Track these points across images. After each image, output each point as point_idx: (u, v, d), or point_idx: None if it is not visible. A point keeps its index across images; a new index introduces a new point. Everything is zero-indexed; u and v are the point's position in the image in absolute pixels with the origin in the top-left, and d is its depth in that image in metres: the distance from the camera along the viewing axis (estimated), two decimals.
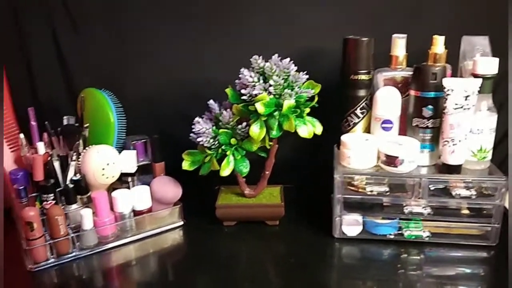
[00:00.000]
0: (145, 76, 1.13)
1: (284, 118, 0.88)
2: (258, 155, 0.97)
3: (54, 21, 1.10)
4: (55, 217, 0.86)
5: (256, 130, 0.88)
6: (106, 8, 1.09)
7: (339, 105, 0.99)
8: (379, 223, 0.93)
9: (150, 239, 0.98)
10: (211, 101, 0.94)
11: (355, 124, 0.98)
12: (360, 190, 0.92)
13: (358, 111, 0.97)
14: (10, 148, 0.95)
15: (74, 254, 0.90)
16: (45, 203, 0.90)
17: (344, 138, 0.93)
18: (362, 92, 0.96)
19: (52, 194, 0.90)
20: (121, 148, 1.02)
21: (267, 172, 1.00)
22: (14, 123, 0.99)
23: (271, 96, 0.87)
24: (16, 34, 1.10)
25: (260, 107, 0.86)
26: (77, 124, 0.97)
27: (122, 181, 1.00)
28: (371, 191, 0.91)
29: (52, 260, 0.89)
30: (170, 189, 0.99)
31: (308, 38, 1.09)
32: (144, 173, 1.04)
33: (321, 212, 1.01)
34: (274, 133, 0.89)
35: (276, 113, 0.88)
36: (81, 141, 0.95)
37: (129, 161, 0.99)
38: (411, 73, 0.92)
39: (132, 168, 0.99)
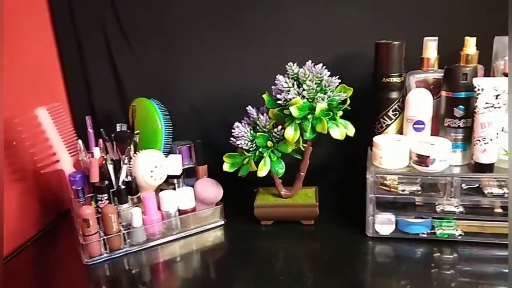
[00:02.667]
0: (190, 85, 1.22)
1: (317, 120, 0.93)
2: (294, 157, 1.02)
3: (108, 36, 1.20)
4: (109, 215, 0.95)
5: (290, 133, 0.93)
6: (156, 22, 1.19)
7: (372, 107, 1.02)
8: (411, 222, 0.95)
9: (193, 237, 1.05)
10: (249, 107, 1.01)
11: (387, 125, 1.01)
12: (392, 189, 0.95)
13: (390, 113, 1.00)
14: (70, 153, 1.06)
15: (125, 249, 0.99)
16: (100, 202, 0.99)
17: (376, 139, 0.97)
18: (394, 94, 0.99)
19: (106, 194, 0.99)
20: (167, 152, 1.10)
21: (302, 174, 1.05)
22: (73, 130, 1.10)
23: (305, 100, 0.92)
24: (75, 49, 1.21)
25: (294, 111, 0.91)
26: (128, 131, 1.06)
27: (169, 183, 1.08)
28: (403, 191, 0.94)
29: (105, 255, 0.97)
30: (212, 190, 1.06)
31: (342, 44, 1.13)
32: (188, 176, 1.12)
33: (355, 212, 1.04)
34: (308, 135, 0.94)
35: (309, 116, 0.93)
36: (132, 146, 1.04)
37: (175, 164, 1.06)
38: (443, 74, 0.94)
39: (178, 171, 1.07)
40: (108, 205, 0.98)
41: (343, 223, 1.04)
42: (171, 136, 1.11)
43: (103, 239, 0.97)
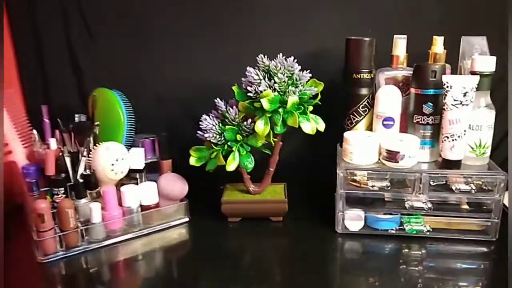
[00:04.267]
0: (154, 77, 1.17)
1: (288, 114, 0.91)
2: (263, 153, 1.00)
3: (68, 22, 1.14)
4: (65, 209, 0.89)
5: (261, 126, 0.91)
6: (120, 10, 1.14)
7: (342, 103, 1.02)
8: (380, 218, 0.95)
9: (157, 235, 1.00)
10: (218, 100, 0.97)
11: (357, 122, 1.00)
12: (362, 185, 0.94)
13: (360, 109, 0.99)
14: (23, 143, 0.98)
15: (82, 247, 0.93)
16: (56, 196, 0.93)
17: (346, 134, 0.96)
18: (364, 91, 0.99)
19: (62, 188, 0.93)
20: (130, 146, 1.04)
21: (271, 169, 1.02)
22: (27, 120, 1.03)
23: (276, 93, 0.90)
24: (31, 33, 1.14)
25: (265, 103, 0.88)
26: (88, 122, 1.00)
27: (131, 177, 1.02)
28: (373, 186, 0.93)
29: (61, 252, 0.91)
30: (177, 185, 1.02)
31: (313, 39, 1.13)
32: (151, 171, 1.07)
33: (324, 209, 1.03)
34: (279, 129, 0.92)
35: (280, 110, 0.91)
36: (91, 138, 0.98)
37: (137, 158, 1.01)
38: (412, 72, 0.95)
39: (140, 165, 1.02)
40: (65, 199, 0.92)
41: (312, 220, 1.03)
42: (134, 129, 1.06)
43: (59, 236, 0.90)
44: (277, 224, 1.03)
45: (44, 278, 0.87)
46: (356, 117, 1.00)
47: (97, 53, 1.15)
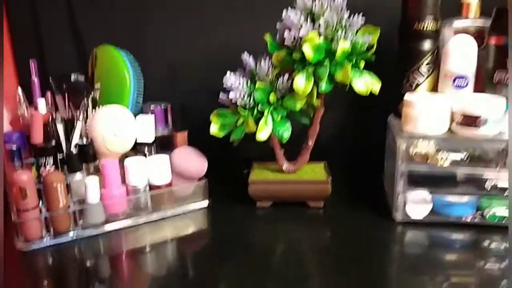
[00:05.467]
0: (165, 41, 0.99)
1: (337, 66, 0.71)
2: (298, 124, 0.80)
3: None
4: (54, 184, 0.70)
5: (301, 83, 0.72)
6: None
7: (397, 63, 0.82)
8: (452, 202, 0.75)
9: (168, 221, 0.81)
10: (245, 54, 0.78)
11: (418, 84, 0.81)
12: (429, 160, 0.74)
13: (422, 68, 0.80)
14: (6, 105, 0.80)
15: (75, 233, 0.74)
16: (43, 169, 0.74)
17: (409, 97, 0.76)
18: (427, 45, 0.79)
19: (51, 158, 0.74)
20: (137, 114, 0.86)
21: (310, 143, 0.83)
22: (13, 76, 0.84)
23: (321, 40, 0.71)
24: None
25: (308, 50, 0.70)
26: (85, 82, 0.82)
27: (137, 151, 0.84)
28: (443, 160, 0.73)
29: (48, 239, 0.72)
30: (194, 161, 0.83)
31: None
32: (163, 148, 0.87)
33: (374, 193, 0.85)
34: (324, 86, 0.72)
35: (326, 62, 0.72)
36: (90, 102, 0.80)
37: (145, 127, 0.83)
38: (491, 19, 0.76)
39: (150, 137, 0.83)
40: (54, 171, 0.74)
41: (360, 206, 0.83)
42: (142, 94, 0.88)
43: (45, 217, 0.72)
44: (317, 211, 0.83)
45: (24, 271, 0.69)
46: (418, 79, 0.80)
47: (99, 14, 0.97)
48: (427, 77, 0.80)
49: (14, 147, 0.74)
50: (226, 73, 0.79)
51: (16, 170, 0.72)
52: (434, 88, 0.81)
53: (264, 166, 0.87)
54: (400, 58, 0.82)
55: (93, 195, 0.74)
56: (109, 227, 0.76)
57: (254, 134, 0.76)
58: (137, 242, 0.76)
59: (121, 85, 0.85)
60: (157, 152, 0.85)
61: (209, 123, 0.83)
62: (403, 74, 0.82)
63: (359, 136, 0.98)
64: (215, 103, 0.80)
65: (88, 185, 0.74)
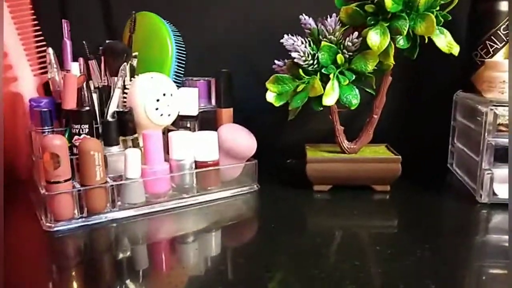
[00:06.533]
0: (208, 11, 0.90)
1: (417, 19, 0.63)
2: (365, 92, 0.71)
3: None
4: (91, 152, 0.60)
5: (376, 38, 0.63)
6: None
7: (468, 28, 0.74)
8: None
9: (214, 206, 0.70)
10: (303, 16, 0.70)
11: (496, 50, 0.72)
12: None
13: (501, 32, 0.72)
14: (34, 69, 0.70)
15: (111, 214, 0.63)
16: (76, 138, 0.64)
17: (496, 60, 0.68)
18: (505, 5, 0.71)
19: (87, 126, 0.64)
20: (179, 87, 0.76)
21: (375, 116, 0.73)
22: (41, 35, 0.74)
23: None
24: None
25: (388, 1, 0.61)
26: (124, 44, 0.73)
27: (180, 126, 0.74)
28: None
29: (80, 219, 0.61)
30: (244, 138, 0.73)
31: None
32: (205, 125, 0.77)
33: (442, 177, 0.75)
34: (402, 42, 0.64)
35: (403, 14, 0.63)
36: (128, 66, 0.71)
37: (189, 100, 0.73)
38: None
39: (194, 110, 0.74)
40: (90, 138, 0.63)
41: (430, 190, 0.73)
42: (183, 66, 0.79)
43: (78, 193, 0.61)
44: (383, 196, 0.72)
45: (51, 255, 0.57)
46: (495, 44, 0.72)
47: None
48: (506, 42, 0.72)
49: (44, 108, 0.63)
50: (270, 52, 0.70)
51: (46, 136, 0.62)
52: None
53: (318, 147, 0.77)
54: (473, 20, 0.74)
55: (133, 170, 0.64)
56: (149, 208, 0.66)
57: (304, 116, 0.67)
58: (180, 227, 0.65)
59: (162, 54, 0.76)
60: (200, 129, 0.75)
61: (252, 103, 0.74)
62: (478, 39, 0.73)
63: (418, 118, 0.89)
64: (258, 82, 0.71)
65: (129, 157, 0.63)
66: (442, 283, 0.47)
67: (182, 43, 0.79)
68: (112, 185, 0.63)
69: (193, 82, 0.79)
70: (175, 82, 0.76)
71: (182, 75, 0.78)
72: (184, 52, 0.78)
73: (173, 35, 0.77)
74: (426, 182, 0.78)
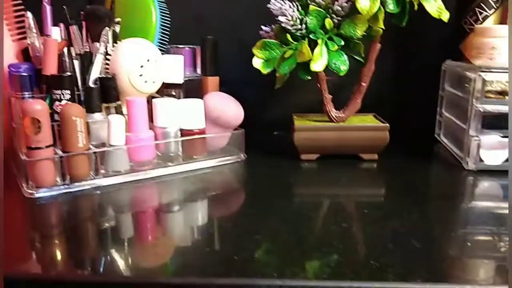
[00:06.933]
0: None
1: None
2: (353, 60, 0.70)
3: None
4: (73, 117, 0.58)
5: (365, 2, 0.62)
6: None
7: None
8: None
9: (200, 175, 0.68)
10: None
11: (485, 17, 0.72)
12: (506, 96, 0.65)
13: None
14: (12, 35, 0.68)
15: (94, 181, 0.62)
16: (57, 104, 0.62)
17: (485, 26, 0.67)
18: None
19: (68, 91, 0.62)
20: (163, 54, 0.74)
21: (363, 84, 0.72)
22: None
23: None
24: None
25: None
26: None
27: (165, 94, 0.72)
28: None
29: (63, 187, 0.60)
30: (231, 106, 0.72)
31: None
32: (191, 93, 0.75)
33: (430, 146, 0.75)
34: (392, 6, 0.63)
35: None
36: (111, 32, 0.68)
37: (174, 67, 0.72)
38: None
39: (179, 78, 0.72)
40: (72, 104, 0.61)
41: (419, 158, 0.73)
42: (168, 33, 0.76)
43: (60, 159, 0.59)
44: (371, 164, 0.72)
45: (33, 223, 0.55)
46: (484, 11, 0.71)
47: None
48: (496, 9, 0.71)
49: (24, 73, 0.61)
50: (257, 20, 0.69)
51: (26, 101, 0.60)
52: (502, 23, 0.72)
53: (306, 116, 0.76)
54: None
55: (117, 136, 0.62)
56: (133, 176, 0.64)
57: (290, 87, 0.66)
58: (166, 196, 0.64)
59: (146, 20, 0.73)
60: (185, 97, 0.74)
61: (239, 74, 0.72)
62: (467, 6, 0.73)
63: (406, 87, 0.88)
64: (245, 52, 0.69)
65: (112, 123, 0.62)
66: (428, 244, 0.47)
67: (167, 9, 0.76)
68: (95, 152, 0.61)
69: (178, 49, 0.77)
70: (159, 49, 0.75)
71: (166, 43, 0.76)
72: (169, 19, 0.76)
73: (157, 1, 0.75)
74: (413, 151, 0.78)
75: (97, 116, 0.65)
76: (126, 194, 0.62)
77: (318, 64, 0.64)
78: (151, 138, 0.66)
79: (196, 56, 0.78)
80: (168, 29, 0.76)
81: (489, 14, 0.71)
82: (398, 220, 0.53)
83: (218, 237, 0.51)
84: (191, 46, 0.78)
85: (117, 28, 0.72)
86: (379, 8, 0.62)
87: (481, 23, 0.72)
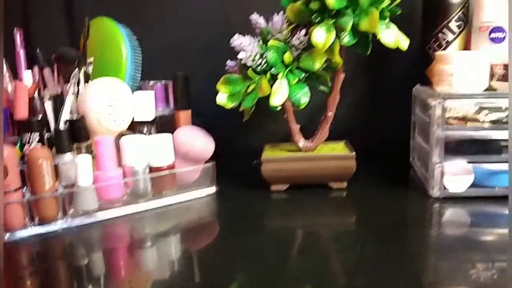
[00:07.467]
0: (167, 17, 0.90)
1: (361, 15, 0.63)
2: (316, 99, 0.71)
3: None
4: (39, 160, 0.60)
5: (321, 36, 0.63)
6: None
7: (423, 20, 0.75)
8: (497, 170, 0.65)
9: (171, 209, 0.70)
10: (254, 15, 0.70)
11: (448, 43, 0.72)
12: (468, 123, 0.65)
13: (453, 24, 0.71)
14: None
15: (64, 221, 0.63)
16: (27, 146, 0.64)
17: (442, 52, 0.68)
18: None
19: (37, 134, 0.65)
20: (135, 91, 0.77)
21: (329, 113, 0.73)
22: None
23: None
24: None
25: None
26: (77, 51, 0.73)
27: (135, 131, 0.74)
28: (484, 121, 0.64)
29: (33, 228, 0.62)
30: (200, 140, 0.73)
31: None
32: (164, 128, 0.77)
33: (401, 172, 0.76)
34: (347, 38, 0.64)
35: (348, 11, 0.63)
36: (82, 74, 0.71)
37: (145, 104, 0.73)
38: None
39: (149, 115, 0.74)
40: (39, 147, 0.64)
41: (388, 186, 0.73)
42: (140, 71, 0.79)
43: (29, 202, 0.61)
44: (340, 193, 0.73)
45: (4, 264, 0.57)
46: (447, 36, 0.72)
47: None
48: (458, 34, 0.72)
49: None
50: (229, 53, 0.70)
51: None
52: (466, 48, 0.73)
53: (278, 146, 0.77)
54: (425, 15, 0.74)
55: (84, 177, 0.64)
56: (103, 215, 0.66)
57: (265, 117, 0.68)
58: (136, 233, 0.65)
59: (117, 59, 0.76)
60: (157, 133, 0.75)
61: (213, 104, 0.74)
62: (430, 32, 0.73)
63: (379, 113, 0.89)
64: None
65: (79, 164, 0.64)
66: (382, 275, 0.48)
67: (139, 46, 0.79)
68: (62, 193, 0.63)
69: (150, 85, 0.79)
70: (132, 86, 0.77)
71: (139, 79, 0.78)
72: (141, 56, 0.78)
73: (129, 39, 0.78)
74: (387, 177, 0.78)
75: (67, 156, 0.67)
76: (97, 233, 0.64)
77: (277, 98, 0.66)
78: (120, 176, 0.67)
79: (169, 91, 0.80)
80: (140, 65, 0.78)
81: (450, 40, 0.72)
82: (353, 252, 0.53)
83: (191, 272, 0.52)
84: (163, 81, 0.80)
85: (90, 68, 0.74)
86: (335, 41, 0.64)
87: (444, 49, 0.72)
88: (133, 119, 0.72)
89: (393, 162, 0.84)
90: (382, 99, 0.88)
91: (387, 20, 0.65)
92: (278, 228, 0.64)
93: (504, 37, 0.67)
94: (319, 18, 0.64)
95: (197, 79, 0.82)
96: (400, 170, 0.81)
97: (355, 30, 0.63)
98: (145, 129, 0.74)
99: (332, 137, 0.77)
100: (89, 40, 0.76)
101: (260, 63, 0.67)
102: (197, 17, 0.89)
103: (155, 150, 0.70)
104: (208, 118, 0.80)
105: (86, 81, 0.73)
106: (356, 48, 0.66)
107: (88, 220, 0.65)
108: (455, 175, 0.66)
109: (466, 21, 0.72)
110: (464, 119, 0.65)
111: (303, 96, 0.67)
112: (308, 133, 0.75)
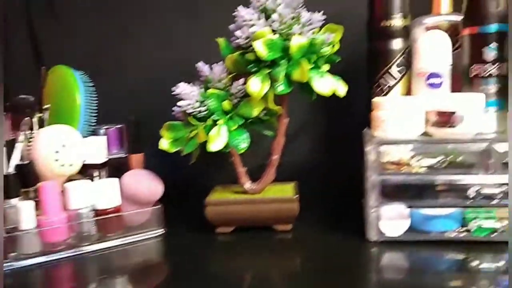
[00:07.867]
0: (127, 61, 0.94)
1: (293, 66, 0.65)
2: (267, 142, 0.73)
3: None
4: None
5: (255, 85, 0.65)
6: None
7: (366, 66, 0.76)
8: (433, 215, 0.65)
9: (117, 252, 0.71)
10: (200, 63, 0.72)
11: (390, 88, 0.74)
12: (403, 168, 0.66)
13: (394, 70, 0.73)
14: None
15: (8, 264, 0.65)
16: None
17: (378, 99, 0.69)
18: (397, 44, 0.73)
19: None
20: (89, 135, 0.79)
21: (274, 157, 0.75)
22: None
23: (276, 36, 0.65)
24: None
25: (260, 48, 0.63)
26: (30, 97, 0.76)
27: (87, 175, 0.76)
28: (419, 166, 0.65)
29: None
30: (146, 184, 0.75)
31: None
32: (118, 171, 0.79)
33: (351, 215, 0.76)
34: (281, 87, 0.65)
35: (282, 62, 0.65)
36: (35, 120, 0.74)
37: (95, 148, 0.76)
38: (465, 7, 0.69)
39: (100, 158, 0.76)
40: None
41: (333, 228, 0.74)
42: (95, 116, 0.81)
43: None
44: (285, 236, 0.73)
45: None
46: (389, 81, 0.73)
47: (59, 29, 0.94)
48: (399, 80, 0.73)
49: None
50: None
51: None
52: (408, 93, 0.74)
53: (226, 188, 0.79)
54: (369, 60, 0.76)
55: (27, 220, 0.66)
56: (46, 258, 0.67)
57: (216, 157, 0.69)
58: (81, 275, 0.67)
59: (71, 105, 0.79)
60: (110, 176, 0.77)
61: None
62: (373, 78, 0.75)
63: (335, 155, 0.90)
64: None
65: (21, 209, 0.66)
66: None
67: (95, 93, 0.81)
68: (5, 236, 0.65)
69: (104, 129, 0.81)
70: (86, 131, 0.80)
71: (93, 124, 0.81)
72: (96, 101, 0.81)
73: (84, 85, 0.80)
74: (335, 219, 0.78)
75: (15, 201, 0.69)
76: (40, 276, 0.66)
77: (215, 144, 0.67)
78: (63, 220, 0.69)
79: (123, 134, 0.82)
80: (95, 110, 0.81)
81: (391, 86, 0.73)
82: None
83: None
84: (117, 125, 0.82)
85: (46, 115, 0.77)
86: (269, 89, 0.65)
87: (386, 94, 0.73)
88: (83, 163, 0.75)
89: (347, 203, 0.84)
90: (337, 141, 0.89)
91: (322, 69, 0.67)
92: (222, 271, 0.65)
93: (441, 83, 0.68)
94: (255, 68, 0.66)
95: (156, 122, 0.84)
96: (351, 211, 0.81)
97: (289, 79, 0.65)
98: (95, 173, 0.76)
99: (286, 179, 0.78)
100: (46, 88, 0.79)
101: (200, 111, 0.69)
102: (153, 62, 0.93)
103: (100, 193, 0.72)
104: (165, 158, 0.82)
105: (41, 127, 0.75)
106: (302, 93, 0.68)
107: (31, 262, 0.66)
108: (391, 220, 0.66)
109: (408, 66, 0.73)
110: (399, 164, 0.66)
111: (242, 142, 0.68)
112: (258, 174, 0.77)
